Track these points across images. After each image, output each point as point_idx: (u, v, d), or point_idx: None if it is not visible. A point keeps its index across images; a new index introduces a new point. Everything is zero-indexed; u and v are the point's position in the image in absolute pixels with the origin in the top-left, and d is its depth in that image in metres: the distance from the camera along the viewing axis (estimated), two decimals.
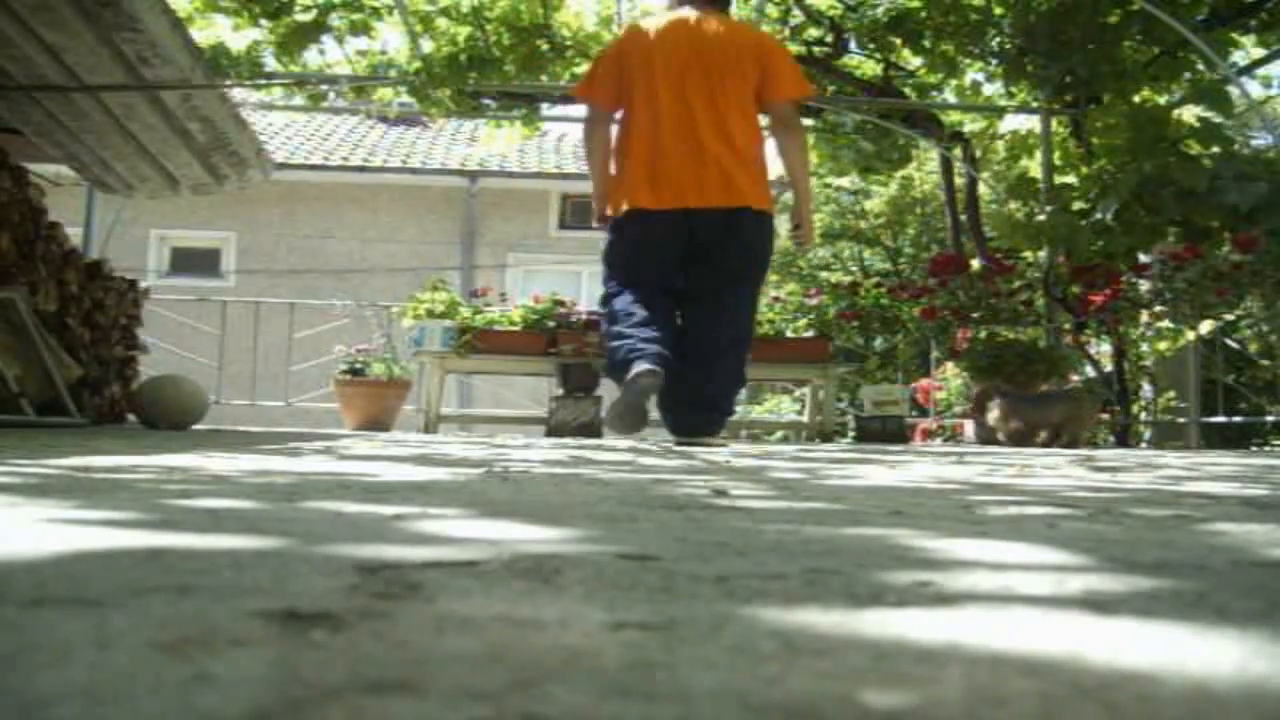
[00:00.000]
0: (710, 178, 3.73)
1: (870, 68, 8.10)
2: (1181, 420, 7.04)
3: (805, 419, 6.99)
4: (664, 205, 3.75)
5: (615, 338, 3.75)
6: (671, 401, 3.81)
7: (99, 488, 1.30)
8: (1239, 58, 7.08)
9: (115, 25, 3.89)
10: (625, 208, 3.81)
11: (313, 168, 13.08)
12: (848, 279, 9.97)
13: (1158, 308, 6.31)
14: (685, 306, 3.86)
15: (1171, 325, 6.56)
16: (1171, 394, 7.30)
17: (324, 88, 7.90)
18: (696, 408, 3.81)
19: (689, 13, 3.87)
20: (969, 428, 6.84)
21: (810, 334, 6.52)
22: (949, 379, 7.60)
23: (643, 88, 3.78)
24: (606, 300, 3.93)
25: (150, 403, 4.58)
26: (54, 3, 3.71)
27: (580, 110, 8.06)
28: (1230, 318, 6.68)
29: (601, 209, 3.98)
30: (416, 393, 6.85)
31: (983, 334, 6.46)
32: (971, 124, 8.45)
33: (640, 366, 3.54)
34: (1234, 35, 6.92)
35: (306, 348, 8.37)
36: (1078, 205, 6.75)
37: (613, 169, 3.95)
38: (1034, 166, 7.75)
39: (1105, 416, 7.46)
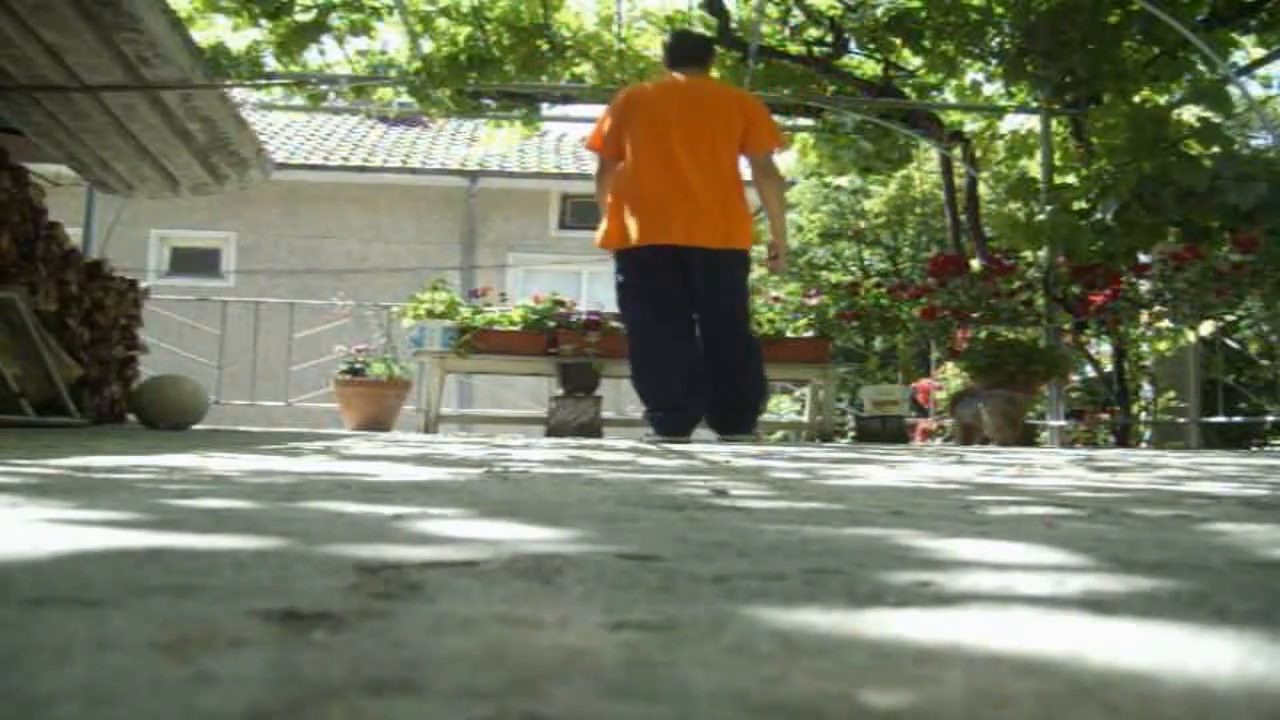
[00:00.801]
0: (697, 218, 4.29)
1: (870, 68, 8.09)
2: (1181, 420, 7.04)
3: (805, 419, 6.99)
4: (656, 240, 4.29)
5: (643, 391, 4.45)
6: (714, 406, 4.41)
7: (99, 488, 1.30)
8: (1239, 58, 7.08)
9: (115, 25, 3.89)
10: (624, 246, 4.37)
11: (313, 168, 13.06)
12: (848, 279, 9.97)
13: (1158, 308, 6.31)
14: (701, 330, 4.42)
15: (1171, 325, 6.56)
16: (1171, 394, 7.29)
17: (324, 88, 7.90)
18: (737, 409, 4.42)
19: (681, 76, 4.52)
20: None
21: (810, 334, 6.52)
22: (949, 379, 7.60)
23: (640, 139, 4.35)
24: (629, 334, 4.55)
25: (150, 403, 4.58)
26: (54, 3, 3.71)
27: (580, 110, 8.26)
28: (1230, 318, 6.68)
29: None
30: (416, 393, 6.84)
31: (983, 334, 6.45)
32: (971, 124, 8.45)
33: (664, 432, 4.30)
34: (1234, 35, 6.91)
35: (306, 348, 8.37)
36: (1078, 205, 6.74)
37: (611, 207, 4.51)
38: (1034, 166, 7.75)
39: (1105, 416, 7.46)
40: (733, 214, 4.38)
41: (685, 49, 4.64)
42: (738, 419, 4.42)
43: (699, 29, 7.65)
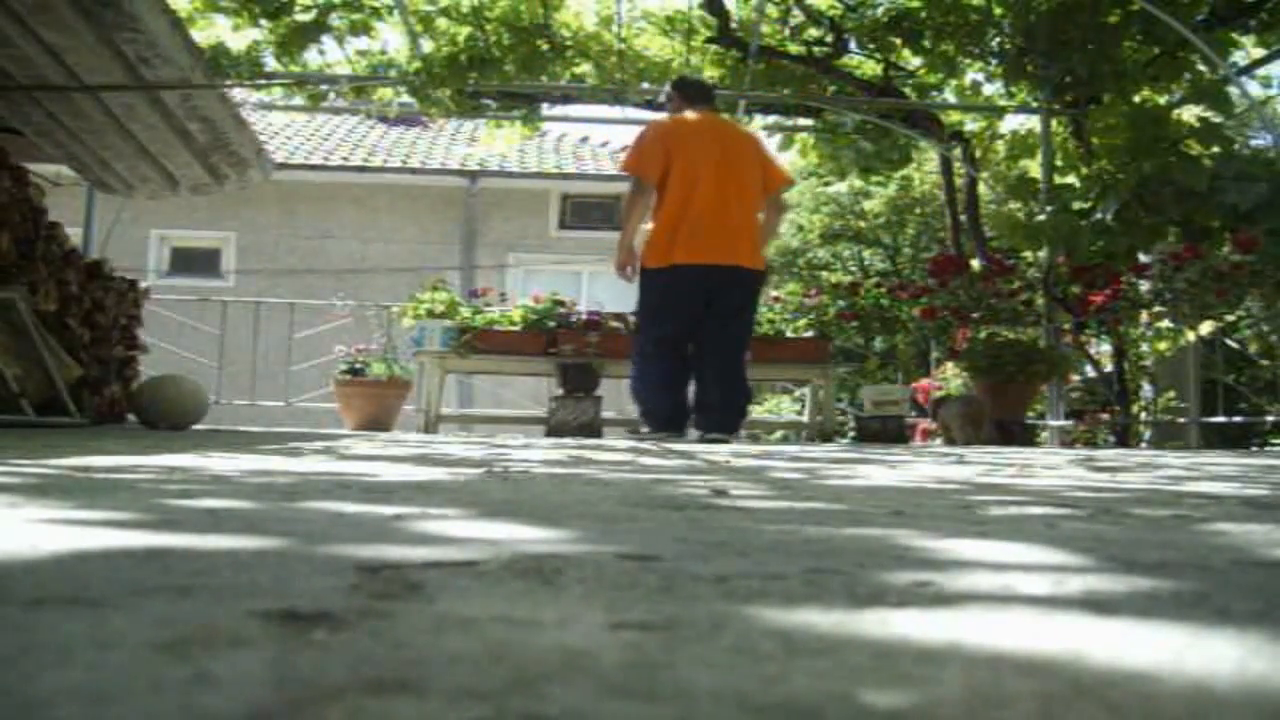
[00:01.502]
0: (730, 241, 4.73)
1: (870, 68, 8.09)
2: (1181, 420, 7.04)
3: (805, 419, 6.99)
4: (695, 260, 4.68)
5: (649, 397, 4.84)
6: (706, 405, 4.77)
7: (99, 488, 1.30)
8: (1239, 58, 7.07)
9: (115, 25, 3.89)
10: (663, 263, 4.72)
11: (313, 168, 13.05)
12: (848, 279, 9.97)
13: (1158, 308, 6.31)
14: (708, 334, 4.78)
15: (1171, 325, 6.56)
16: (1171, 394, 7.29)
17: (324, 88, 7.90)
18: (729, 411, 4.79)
19: (707, 113, 4.97)
20: None
21: (810, 334, 6.51)
22: (949, 379, 7.61)
23: (683, 168, 4.72)
24: (642, 345, 4.88)
25: (150, 403, 4.58)
26: (54, 3, 3.71)
27: (580, 110, 8.37)
28: (1230, 318, 6.67)
29: (622, 261, 4.89)
30: (416, 393, 6.84)
31: (983, 334, 6.45)
32: (972, 124, 8.44)
33: (667, 432, 4.75)
34: (1234, 35, 6.91)
35: (306, 348, 8.36)
36: (1078, 205, 6.74)
37: (647, 227, 4.88)
38: (1034, 166, 7.74)
39: (1105, 416, 7.46)
40: (757, 239, 4.92)
41: (701, 90, 5.14)
42: (733, 419, 4.84)
43: (699, 29, 7.67)
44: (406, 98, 7.87)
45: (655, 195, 4.80)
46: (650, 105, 7.62)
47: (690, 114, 4.92)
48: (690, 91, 5.07)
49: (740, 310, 4.86)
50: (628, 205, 4.94)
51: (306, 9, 7.27)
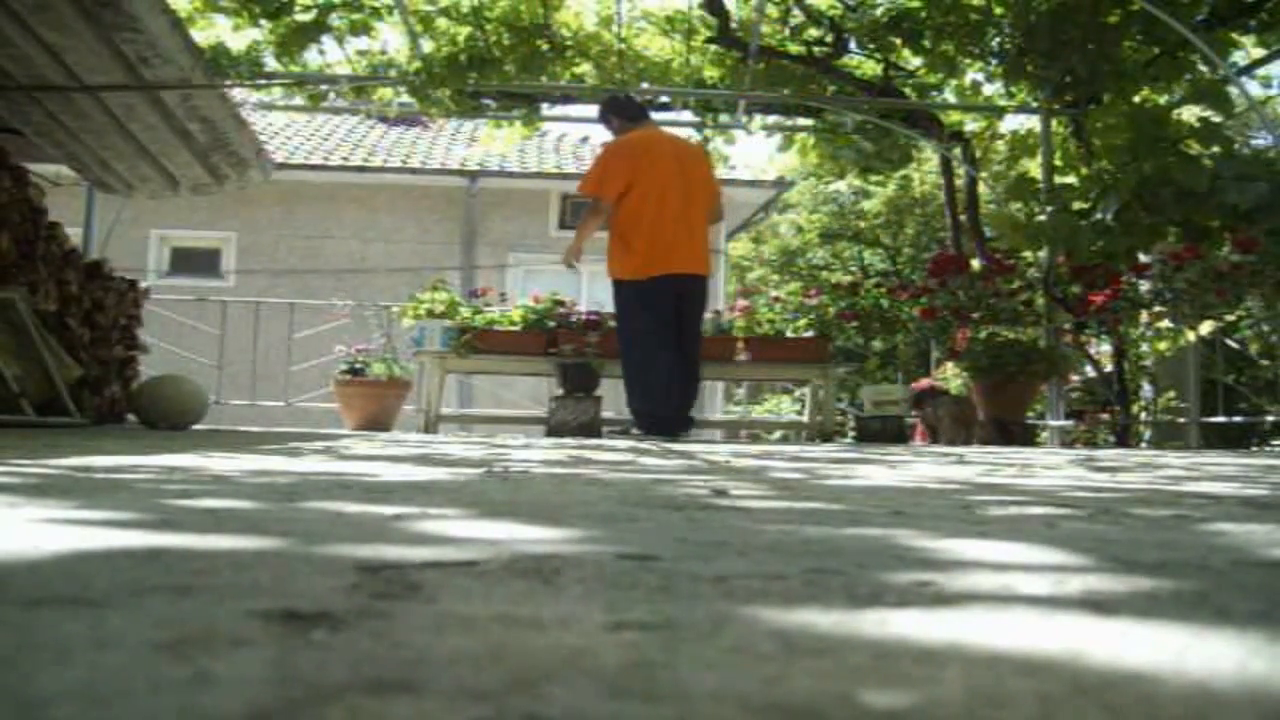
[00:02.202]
0: (692, 251, 5.19)
1: (870, 68, 8.09)
2: (1181, 420, 7.03)
3: (805, 419, 6.99)
4: (670, 271, 5.08)
5: (641, 399, 5.16)
6: (672, 409, 5.12)
7: (99, 488, 1.30)
8: (1239, 58, 7.07)
9: (115, 25, 3.89)
10: (641, 276, 5.07)
11: (313, 168, 13.04)
12: (848, 279, 9.97)
13: (1158, 308, 6.30)
14: (678, 331, 5.13)
15: (1171, 325, 6.55)
16: (1171, 394, 7.29)
17: (324, 88, 7.89)
18: (686, 412, 5.19)
19: (655, 130, 5.44)
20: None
21: (810, 334, 6.51)
22: (949, 379, 7.60)
23: (648, 186, 5.07)
24: (629, 351, 5.20)
25: (150, 403, 4.58)
26: (54, 3, 3.71)
27: (580, 110, 8.59)
28: (1230, 318, 6.67)
29: (572, 255, 5.30)
30: (416, 393, 6.84)
31: (983, 334, 6.45)
32: (972, 124, 8.44)
33: (655, 432, 5.09)
34: (1234, 35, 6.91)
35: (306, 348, 8.36)
36: (1078, 205, 6.74)
37: (614, 242, 5.21)
38: (1034, 166, 7.74)
39: (1105, 416, 7.46)
40: (709, 248, 5.40)
41: (640, 108, 5.49)
42: (692, 398, 5.26)
43: (699, 29, 7.67)
44: (406, 98, 7.87)
45: (612, 211, 5.14)
46: (649, 106, 7.62)
47: (641, 132, 5.26)
48: (631, 111, 5.42)
49: (699, 310, 5.36)
50: (584, 220, 5.34)
51: (306, 9, 7.27)
